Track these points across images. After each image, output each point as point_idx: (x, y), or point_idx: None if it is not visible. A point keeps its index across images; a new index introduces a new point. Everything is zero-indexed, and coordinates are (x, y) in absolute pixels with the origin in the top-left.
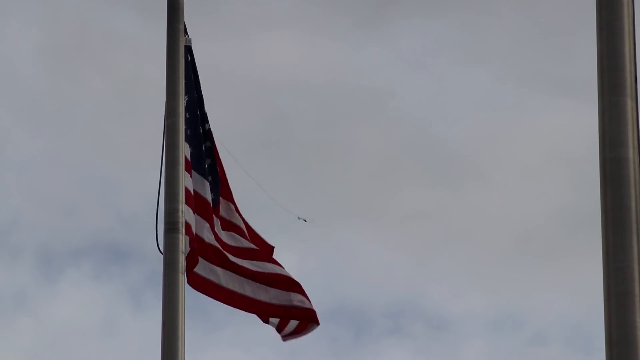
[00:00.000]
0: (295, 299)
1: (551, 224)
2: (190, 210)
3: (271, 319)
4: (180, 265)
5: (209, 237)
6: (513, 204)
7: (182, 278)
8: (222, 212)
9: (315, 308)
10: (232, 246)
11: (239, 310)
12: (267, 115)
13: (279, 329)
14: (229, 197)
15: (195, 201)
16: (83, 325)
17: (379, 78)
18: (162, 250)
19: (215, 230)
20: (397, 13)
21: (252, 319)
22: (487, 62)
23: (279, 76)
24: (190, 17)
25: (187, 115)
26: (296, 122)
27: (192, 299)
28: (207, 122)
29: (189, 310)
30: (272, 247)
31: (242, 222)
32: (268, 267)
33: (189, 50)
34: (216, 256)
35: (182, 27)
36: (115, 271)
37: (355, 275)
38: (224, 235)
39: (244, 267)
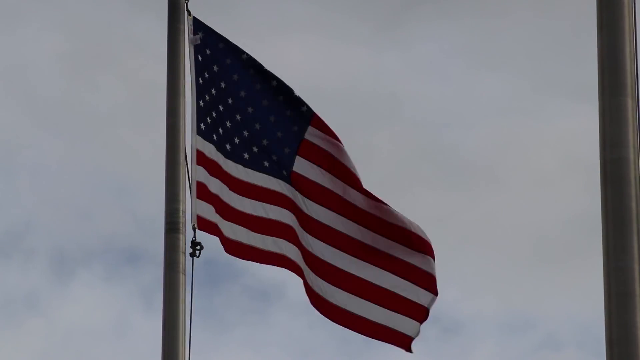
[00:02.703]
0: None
1: (566, 229)
2: (204, 203)
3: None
4: (180, 266)
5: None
6: (528, 209)
7: (183, 278)
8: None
9: None
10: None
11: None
12: None
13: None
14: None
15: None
16: (94, 327)
17: (396, 83)
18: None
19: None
20: (415, 18)
21: (262, 320)
22: (504, 67)
23: (295, 81)
24: (204, 21)
25: (230, 101)
26: None
27: (202, 301)
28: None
29: (199, 311)
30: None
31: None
32: None
33: (199, 49)
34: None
35: (182, 27)
36: (128, 273)
37: None
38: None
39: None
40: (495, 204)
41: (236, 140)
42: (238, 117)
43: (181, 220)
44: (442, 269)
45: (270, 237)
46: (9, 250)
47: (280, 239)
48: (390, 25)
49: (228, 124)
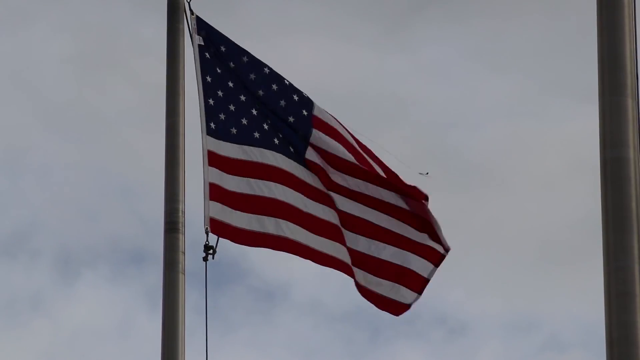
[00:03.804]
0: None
1: (571, 231)
2: (218, 204)
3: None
4: (180, 265)
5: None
6: (533, 211)
7: (182, 278)
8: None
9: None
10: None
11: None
12: None
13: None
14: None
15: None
16: (99, 327)
17: (402, 85)
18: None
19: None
20: (421, 20)
21: (267, 321)
22: (510, 69)
23: (300, 83)
24: (209, 23)
25: (243, 100)
26: None
27: (208, 301)
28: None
29: (204, 312)
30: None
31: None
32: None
33: (205, 47)
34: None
35: (181, 27)
36: (133, 273)
37: None
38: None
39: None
40: (501, 205)
41: (265, 126)
42: (254, 111)
43: (180, 220)
44: (447, 270)
45: (284, 221)
46: (14, 251)
47: (292, 224)
48: (396, 27)
49: (254, 112)
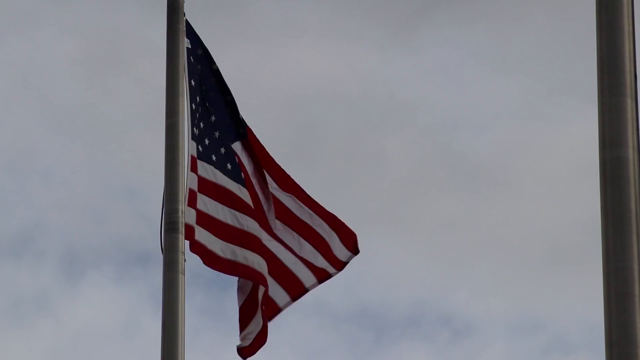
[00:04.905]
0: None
1: (577, 232)
2: (193, 211)
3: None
4: (180, 265)
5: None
6: (540, 212)
7: (182, 278)
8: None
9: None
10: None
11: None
12: (296, 125)
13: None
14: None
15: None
16: (104, 327)
17: (409, 87)
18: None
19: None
20: (429, 22)
21: (272, 321)
22: (517, 71)
23: (308, 86)
24: (217, 25)
25: (207, 104)
26: (326, 132)
27: (212, 302)
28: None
29: (209, 312)
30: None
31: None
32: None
33: (190, 51)
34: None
35: (182, 27)
36: (137, 274)
37: (379, 279)
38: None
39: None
40: (507, 207)
41: (206, 141)
42: (213, 118)
43: (180, 220)
44: (453, 271)
45: (240, 248)
46: (20, 251)
47: (247, 250)
48: (403, 29)
49: (202, 125)
